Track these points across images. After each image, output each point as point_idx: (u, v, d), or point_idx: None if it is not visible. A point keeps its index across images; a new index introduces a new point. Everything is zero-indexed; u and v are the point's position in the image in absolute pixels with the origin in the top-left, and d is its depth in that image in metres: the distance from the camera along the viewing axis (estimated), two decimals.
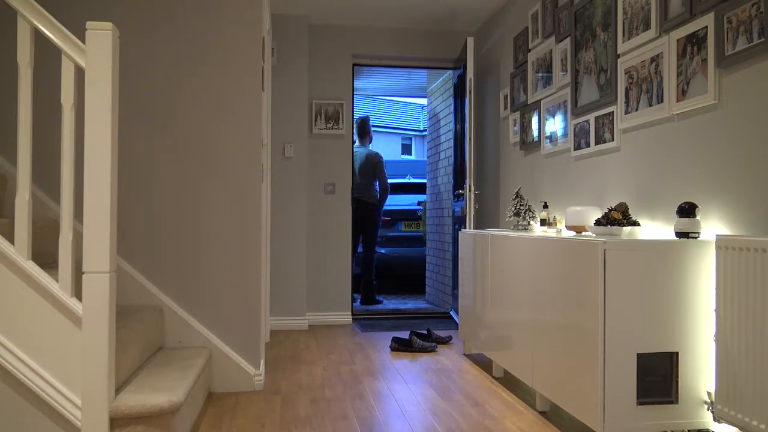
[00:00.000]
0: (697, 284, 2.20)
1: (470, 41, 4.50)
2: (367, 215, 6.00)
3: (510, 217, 3.64)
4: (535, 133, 3.91)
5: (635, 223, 2.59)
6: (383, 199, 6.11)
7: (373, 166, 6.03)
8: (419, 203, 7.20)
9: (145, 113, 3.07)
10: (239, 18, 3.12)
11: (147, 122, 3.07)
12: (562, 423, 2.61)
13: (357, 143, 6.12)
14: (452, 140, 5.62)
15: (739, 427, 1.93)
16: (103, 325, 2.07)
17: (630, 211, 2.80)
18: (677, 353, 2.19)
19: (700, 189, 2.38)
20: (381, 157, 6.13)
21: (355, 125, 6.02)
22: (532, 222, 3.62)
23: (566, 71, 3.48)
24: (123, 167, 3.05)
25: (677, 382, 2.18)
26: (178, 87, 3.09)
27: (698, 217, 2.28)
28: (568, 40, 3.45)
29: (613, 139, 2.98)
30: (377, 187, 6.07)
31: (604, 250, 2.17)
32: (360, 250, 6.12)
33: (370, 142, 6.21)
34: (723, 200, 2.26)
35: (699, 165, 2.40)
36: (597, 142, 3.13)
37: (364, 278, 6.04)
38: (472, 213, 4.56)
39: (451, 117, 5.69)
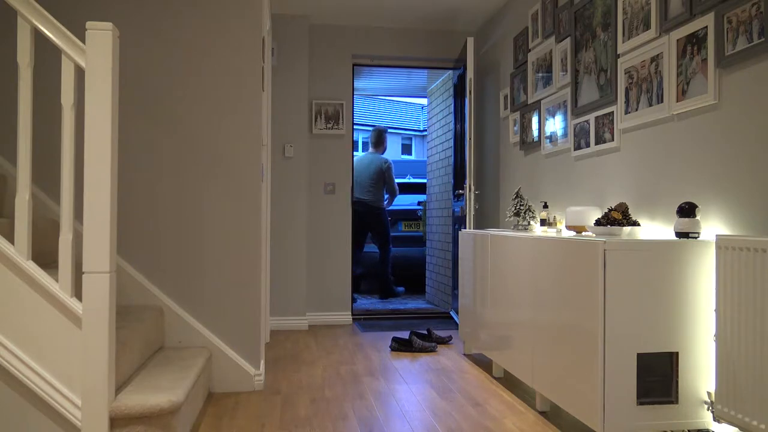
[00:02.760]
0: (697, 284, 2.20)
1: (470, 41, 4.50)
2: (373, 217, 6.15)
3: (510, 217, 3.64)
4: (535, 133, 3.91)
5: (635, 223, 2.59)
6: (390, 202, 6.30)
7: (382, 172, 6.17)
8: (419, 203, 7.20)
9: (145, 113, 3.07)
10: (239, 18, 3.12)
11: (147, 122, 3.07)
12: (562, 423, 2.61)
13: (370, 150, 6.32)
14: (452, 140, 5.62)
15: (739, 427, 1.93)
16: (103, 325, 2.07)
17: (630, 211, 2.80)
18: (677, 353, 2.19)
19: (700, 189, 2.38)
20: (391, 163, 6.28)
21: (372, 134, 6.30)
22: (532, 222, 3.62)
23: (566, 71, 3.48)
24: (123, 167, 3.05)
25: (677, 382, 2.18)
26: (178, 87, 3.09)
27: (698, 217, 2.28)
28: (568, 40, 3.45)
29: (613, 139, 2.98)
30: (385, 192, 6.25)
31: (604, 250, 2.17)
32: (368, 249, 6.44)
33: (383, 152, 6.38)
34: (723, 200, 2.26)
35: (699, 165, 2.40)
36: (597, 142, 3.13)
37: (382, 275, 6.29)
38: (472, 213, 4.56)
39: (451, 117, 5.69)
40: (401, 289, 6.55)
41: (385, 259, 6.26)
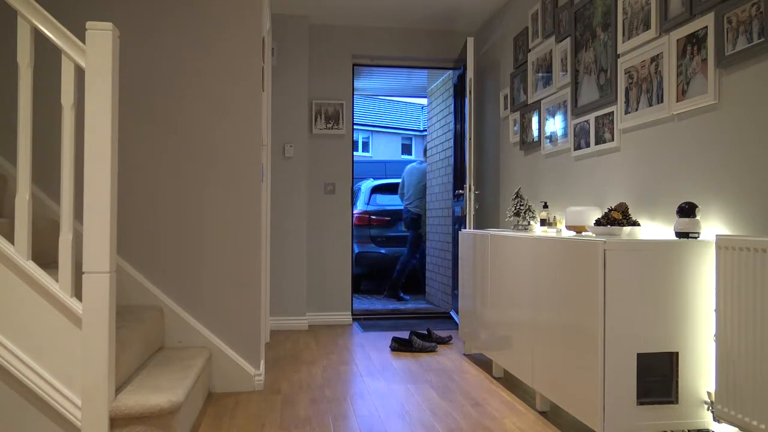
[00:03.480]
0: (697, 284, 2.20)
1: (470, 41, 4.50)
2: (411, 224, 6.54)
3: (510, 217, 3.64)
4: (535, 133, 3.91)
5: (635, 223, 2.59)
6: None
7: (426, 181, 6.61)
8: None
9: (145, 113, 3.07)
10: (239, 18, 3.12)
11: (147, 122, 3.07)
12: (562, 423, 2.61)
13: (422, 159, 6.74)
14: (452, 140, 5.62)
15: (739, 427, 1.93)
16: (103, 325, 2.07)
17: (630, 211, 2.80)
18: (677, 353, 2.19)
19: (700, 189, 2.38)
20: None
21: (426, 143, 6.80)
22: (532, 222, 3.62)
23: (566, 71, 3.48)
24: (123, 167, 3.05)
25: (677, 382, 2.18)
26: (178, 87, 3.09)
27: (698, 217, 2.28)
28: (568, 40, 3.45)
29: (613, 139, 2.98)
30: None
31: (604, 250, 2.17)
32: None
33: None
34: (723, 200, 2.26)
35: (699, 165, 2.40)
36: (597, 142, 3.13)
37: (396, 275, 6.54)
38: (472, 213, 4.56)
39: (451, 117, 5.69)
40: (407, 297, 6.61)
41: (406, 261, 6.50)
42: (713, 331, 2.18)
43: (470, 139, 4.53)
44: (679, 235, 2.29)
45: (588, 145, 3.22)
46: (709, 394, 2.18)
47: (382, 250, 7.02)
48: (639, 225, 2.59)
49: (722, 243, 2.00)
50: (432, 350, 4.02)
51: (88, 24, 2.10)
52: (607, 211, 2.68)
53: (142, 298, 3.01)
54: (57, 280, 2.13)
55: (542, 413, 2.74)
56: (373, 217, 7.15)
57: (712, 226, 2.31)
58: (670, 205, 2.57)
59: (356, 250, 6.96)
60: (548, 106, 3.71)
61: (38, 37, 2.34)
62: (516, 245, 2.98)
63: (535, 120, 3.92)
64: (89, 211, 2.09)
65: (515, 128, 4.27)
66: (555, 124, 3.62)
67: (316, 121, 5.09)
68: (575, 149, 3.36)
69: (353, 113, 5.21)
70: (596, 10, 3.15)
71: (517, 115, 4.24)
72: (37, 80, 2.88)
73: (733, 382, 1.95)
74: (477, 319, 3.63)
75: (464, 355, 3.92)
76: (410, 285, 7.14)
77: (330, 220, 5.13)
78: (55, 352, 2.12)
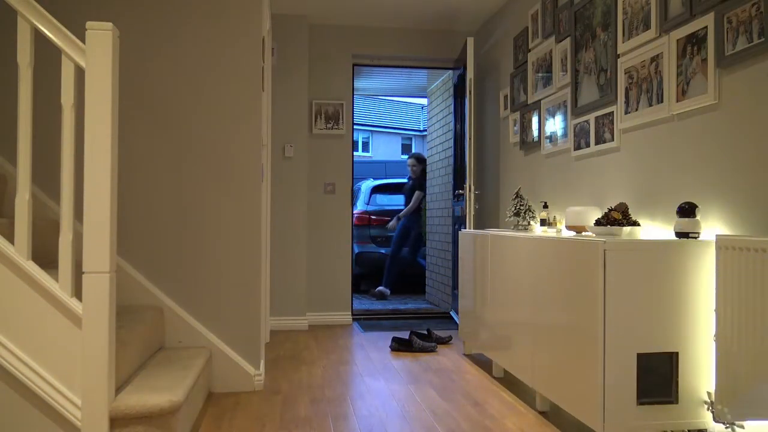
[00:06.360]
0: (697, 284, 2.20)
1: (470, 41, 4.50)
2: (411, 225, 6.70)
3: (510, 217, 3.64)
4: (535, 133, 3.91)
5: (635, 223, 2.59)
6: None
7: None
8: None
9: (145, 113, 3.07)
10: (239, 18, 3.12)
11: (147, 122, 3.07)
12: (563, 423, 2.61)
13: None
14: (452, 140, 5.62)
15: (739, 427, 1.93)
16: (103, 325, 2.07)
17: (630, 211, 2.80)
18: (677, 353, 2.19)
19: (700, 189, 2.38)
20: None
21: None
22: (532, 222, 3.62)
23: (566, 71, 3.48)
24: (123, 167, 3.05)
25: (677, 382, 2.18)
26: (178, 87, 3.09)
27: (698, 217, 2.28)
28: (568, 40, 3.45)
29: (613, 139, 2.98)
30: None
31: (604, 250, 2.17)
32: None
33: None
34: (723, 200, 2.26)
35: (699, 165, 2.40)
36: (597, 142, 3.13)
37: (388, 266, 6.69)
38: (472, 213, 4.56)
39: (451, 117, 5.69)
40: (387, 291, 6.55)
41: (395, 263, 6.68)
42: (713, 331, 2.18)
43: (470, 139, 4.53)
44: (679, 235, 2.29)
45: (588, 145, 3.22)
46: (709, 394, 2.18)
47: (382, 250, 7.02)
48: (639, 225, 2.59)
49: (722, 243, 2.00)
50: (432, 350, 4.02)
51: (88, 24, 2.10)
52: (607, 211, 2.68)
53: (142, 298, 3.01)
54: (57, 280, 2.13)
55: (542, 413, 2.74)
56: (373, 217, 7.15)
57: (712, 227, 2.31)
58: (670, 205, 2.57)
59: (356, 250, 6.96)
60: (548, 106, 3.71)
61: (38, 37, 2.34)
62: (516, 245, 2.98)
63: (535, 120, 3.92)
64: (89, 211, 2.09)
65: (515, 128, 4.27)
66: (555, 124, 3.62)
67: (316, 121, 5.09)
68: (575, 149, 3.36)
69: (353, 113, 5.21)
70: (596, 10, 3.15)
71: (517, 115, 4.24)
72: (37, 80, 2.88)
73: (734, 382, 1.95)
74: (477, 319, 3.63)
75: (464, 355, 3.92)
76: (410, 285, 7.14)
77: (330, 220, 5.13)
78: (55, 352, 2.12)
